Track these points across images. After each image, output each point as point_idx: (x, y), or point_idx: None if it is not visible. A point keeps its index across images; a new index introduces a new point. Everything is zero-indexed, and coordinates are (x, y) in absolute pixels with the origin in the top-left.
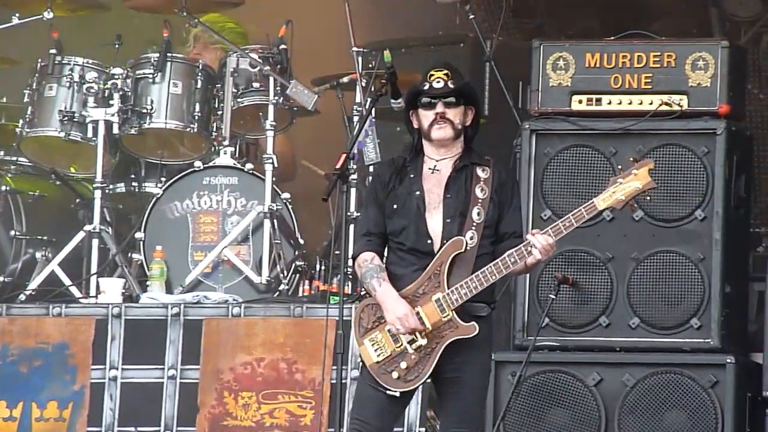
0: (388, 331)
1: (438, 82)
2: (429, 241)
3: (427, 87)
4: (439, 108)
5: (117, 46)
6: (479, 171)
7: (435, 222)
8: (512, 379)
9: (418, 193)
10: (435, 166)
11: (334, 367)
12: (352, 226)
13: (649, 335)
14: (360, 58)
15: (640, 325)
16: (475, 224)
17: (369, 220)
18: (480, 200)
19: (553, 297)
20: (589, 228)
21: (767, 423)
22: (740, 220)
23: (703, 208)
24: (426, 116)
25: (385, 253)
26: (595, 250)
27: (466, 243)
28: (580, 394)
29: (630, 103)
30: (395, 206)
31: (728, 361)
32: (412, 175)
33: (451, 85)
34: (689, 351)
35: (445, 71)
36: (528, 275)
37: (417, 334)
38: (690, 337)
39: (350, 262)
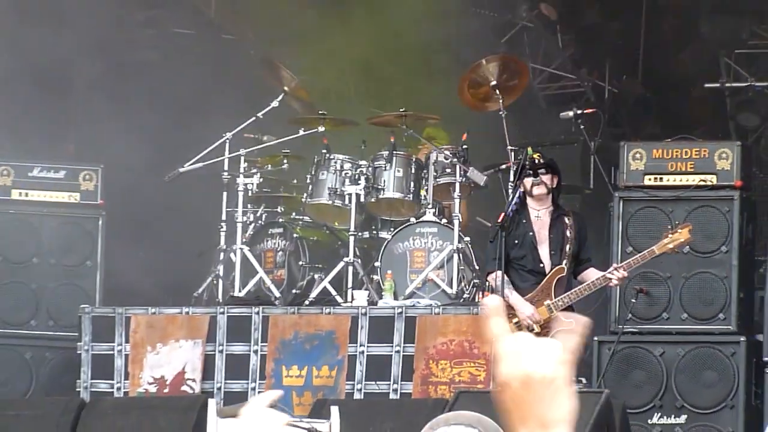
0: (515, 323)
1: (535, 160)
2: (541, 265)
3: (529, 166)
4: (538, 174)
5: (363, 147)
6: (566, 219)
7: (544, 253)
8: (609, 352)
9: (531, 234)
10: (538, 215)
11: None
12: None
13: (694, 324)
14: (512, 152)
15: (688, 318)
16: (567, 255)
17: (496, 250)
18: (569, 239)
19: (634, 301)
20: (656, 257)
21: (765, 379)
22: (748, 253)
23: (726, 245)
24: (529, 181)
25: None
26: (660, 272)
27: (563, 268)
28: (650, 360)
29: (681, 180)
30: (516, 241)
31: (741, 339)
32: (524, 221)
33: (542, 161)
34: (718, 334)
35: (539, 153)
36: (619, 288)
37: (534, 325)
38: (719, 325)
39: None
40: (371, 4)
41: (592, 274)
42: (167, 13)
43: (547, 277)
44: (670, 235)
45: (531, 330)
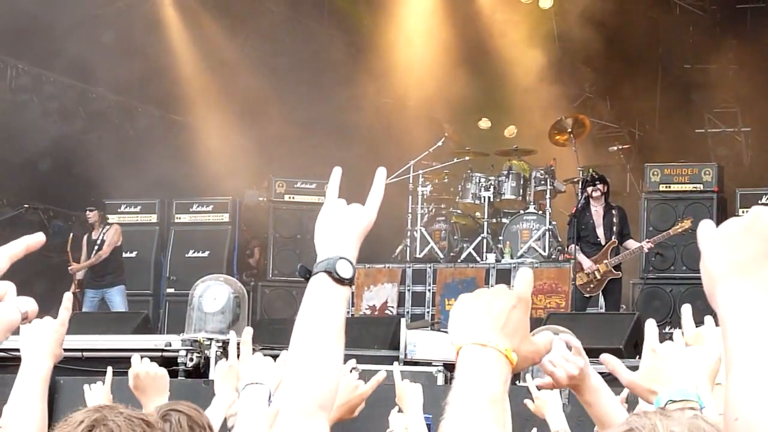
0: (585, 272)
1: (593, 175)
2: (599, 239)
3: (590, 179)
4: (595, 184)
5: (492, 168)
6: (613, 211)
7: (600, 233)
8: (639, 289)
9: (591, 221)
10: (596, 209)
11: (573, 283)
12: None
13: (690, 273)
14: (580, 171)
15: (686, 269)
16: (615, 233)
17: (572, 231)
18: (615, 223)
19: (654, 259)
20: (670, 237)
21: None
22: None
23: None
24: (590, 188)
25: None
26: (669, 242)
27: (615, 241)
28: (664, 295)
29: (681, 188)
30: (583, 227)
31: None
32: (588, 213)
33: (597, 176)
34: None
35: (596, 172)
36: (646, 252)
37: (596, 274)
38: None
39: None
40: (499, 86)
41: (631, 244)
42: (374, 88)
43: (604, 247)
44: (679, 223)
45: (594, 276)
